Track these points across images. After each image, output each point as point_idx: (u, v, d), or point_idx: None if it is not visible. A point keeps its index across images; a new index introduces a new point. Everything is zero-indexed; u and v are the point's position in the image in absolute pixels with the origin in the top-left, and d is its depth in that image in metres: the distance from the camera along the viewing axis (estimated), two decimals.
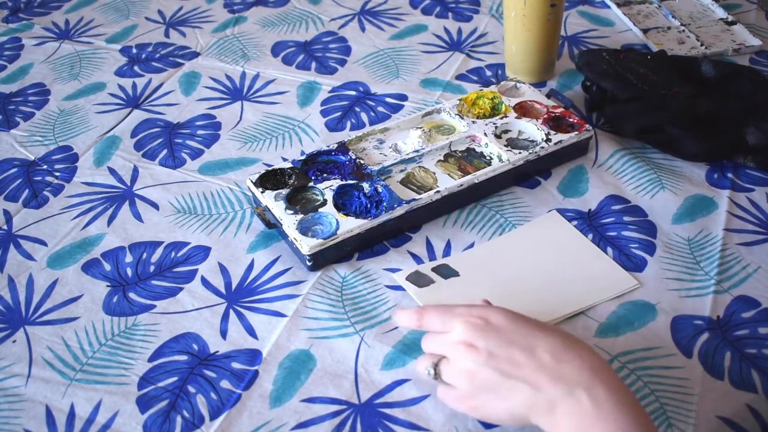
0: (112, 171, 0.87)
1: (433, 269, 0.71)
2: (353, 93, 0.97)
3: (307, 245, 0.69)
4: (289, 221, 0.72)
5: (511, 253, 0.73)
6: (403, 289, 0.69)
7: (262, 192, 0.76)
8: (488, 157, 0.81)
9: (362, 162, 0.79)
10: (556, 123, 0.84)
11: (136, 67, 1.05)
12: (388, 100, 0.95)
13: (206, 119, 0.94)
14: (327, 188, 0.76)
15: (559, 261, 0.72)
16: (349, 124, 0.92)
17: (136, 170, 0.86)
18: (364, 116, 0.93)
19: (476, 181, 0.76)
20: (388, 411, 0.60)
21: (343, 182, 0.76)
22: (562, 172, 0.82)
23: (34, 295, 0.72)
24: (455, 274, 0.70)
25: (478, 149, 0.82)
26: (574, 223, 0.75)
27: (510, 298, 0.67)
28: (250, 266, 0.73)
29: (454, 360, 0.55)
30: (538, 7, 0.89)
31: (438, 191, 0.75)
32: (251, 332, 0.67)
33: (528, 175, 0.81)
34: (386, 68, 1.02)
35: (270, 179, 0.78)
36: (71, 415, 0.61)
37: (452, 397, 0.56)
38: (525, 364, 0.51)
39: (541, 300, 0.67)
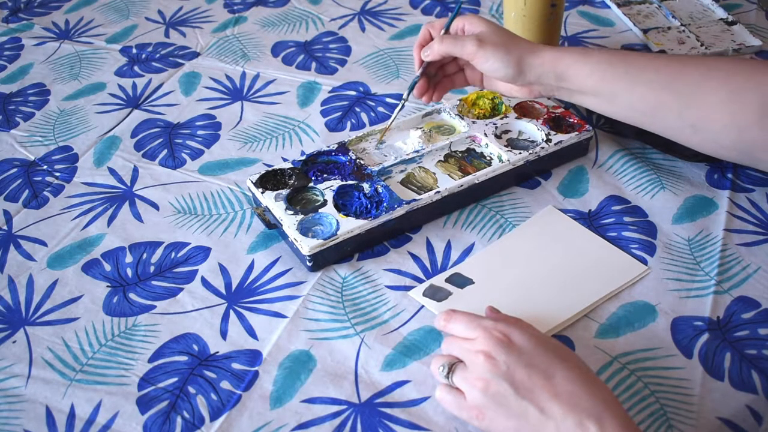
0: (112, 171, 0.87)
1: (447, 280, 0.70)
2: (353, 93, 0.97)
3: (307, 246, 0.69)
4: (289, 222, 0.72)
5: (518, 252, 0.73)
6: (404, 290, 0.69)
7: (262, 192, 0.76)
8: (488, 158, 0.81)
9: (362, 162, 0.79)
10: (556, 123, 0.84)
11: (136, 67, 1.05)
12: (388, 100, 0.95)
13: (206, 119, 0.94)
14: (327, 189, 0.76)
15: (567, 255, 0.72)
16: (349, 125, 0.92)
17: (136, 170, 0.86)
18: (364, 116, 0.93)
19: (476, 182, 0.76)
20: (388, 411, 0.60)
21: (344, 183, 0.76)
22: (562, 173, 0.82)
23: (34, 295, 0.72)
24: (470, 281, 0.70)
25: (478, 149, 0.82)
26: None
27: (528, 300, 0.67)
28: (251, 267, 0.73)
29: (471, 367, 0.55)
30: (538, 7, 0.89)
31: (438, 192, 0.75)
32: (251, 333, 0.67)
33: (528, 175, 0.81)
34: (386, 68, 1.01)
35: (270, 179, 0.78)
36: (71, 416, 0.61)
37: (457, 403, 0.56)
38: (540, 389, 0.52)
39: (560, 297, 0.67)
